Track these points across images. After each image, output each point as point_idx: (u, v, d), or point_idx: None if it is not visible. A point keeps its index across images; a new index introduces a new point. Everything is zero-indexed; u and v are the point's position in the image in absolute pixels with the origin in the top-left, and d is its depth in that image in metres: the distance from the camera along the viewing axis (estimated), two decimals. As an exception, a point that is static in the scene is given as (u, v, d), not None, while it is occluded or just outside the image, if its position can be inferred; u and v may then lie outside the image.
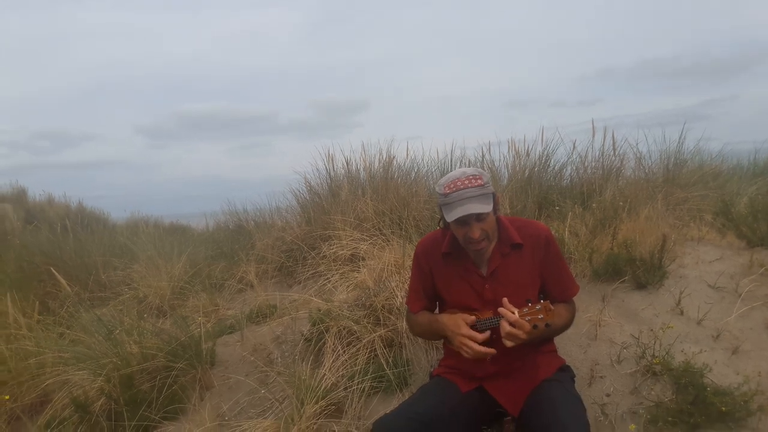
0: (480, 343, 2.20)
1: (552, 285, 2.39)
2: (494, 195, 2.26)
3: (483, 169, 4.46)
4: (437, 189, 2.30)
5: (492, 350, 2.19)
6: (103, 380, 3.46)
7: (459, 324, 2.26)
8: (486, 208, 2.17)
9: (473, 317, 2.29)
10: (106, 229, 9.51)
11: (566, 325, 2.38)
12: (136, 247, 6.27)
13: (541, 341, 2.39)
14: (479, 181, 2.20)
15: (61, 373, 3.68)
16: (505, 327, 2.11)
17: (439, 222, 2.44)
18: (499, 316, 2.16)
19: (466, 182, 2.19)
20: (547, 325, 2.10)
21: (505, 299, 2.17)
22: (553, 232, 2.46)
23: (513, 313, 2.11)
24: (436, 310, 2.57)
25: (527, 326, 2.09)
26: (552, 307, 2.14)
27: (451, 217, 2.19)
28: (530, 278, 2.35)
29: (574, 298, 2.46)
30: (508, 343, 2.11)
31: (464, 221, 2.21)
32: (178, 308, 4.94)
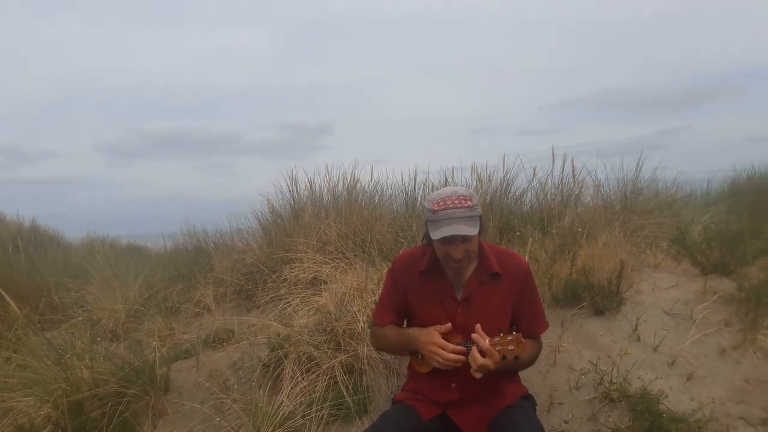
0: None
1: (523, 319, 2.37)
2: (481, 218, 2.26)
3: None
4: (425, 204, 2.28)
5: (462, 357, 2.17)
6: (51, 407, 3.31)
7: (431, 333, 2.24)
8: (473, 230, 2.17)
9: (448, 325, 2.27)
10: (61, 249, 9.25)
11: (532, 361, 2.37)
12: (91, 268, 6.10)
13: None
14: (469, 203, 2.20)
15: (6, 400, 3.52)
16: (477, 358, 2.09)
17: (423, 239, 2.43)
18: (470, 342, 2.16)
19: (456, 202, 2.19)
20: (516, 357, 2.10)
21: (478, 326, 2.15)
22: None
23: (485, 340, 2.11)
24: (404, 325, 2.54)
25: (497, 356, 2.08)
26: (523, 340, 2.14)
27: (437, 235, 2.17)
28: (503, 309, 2.34)
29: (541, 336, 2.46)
30: (477, 375, 2.10)
31: (449, 240, 2.19)
32: (133, 332, 4.80)
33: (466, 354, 2.16)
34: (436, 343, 2.20)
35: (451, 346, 2.20)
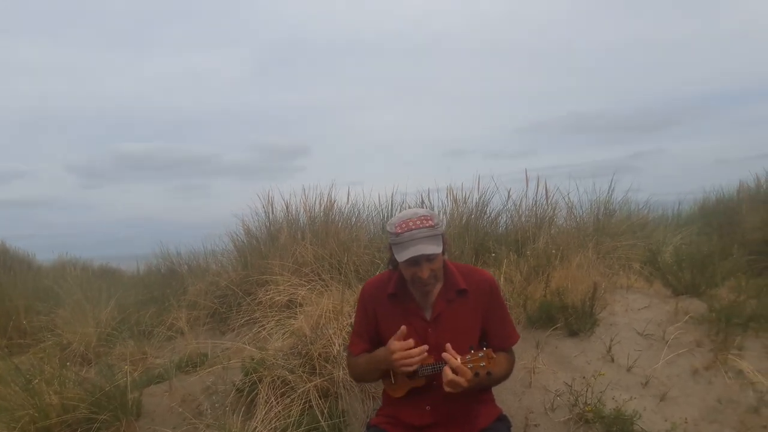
0: (415, 386, 2.22)
1: (493, 333, 2.39)
2: (443, 236, 2.28)
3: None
4: (388, 228, 2.30)
5: (426, 346, 2.20)
6: (18, 434, 3.23)
7: (389, 346, 2.24)
8: (436, 249, 2.19)
9: (403, 328, 2.26)
10: (31, 271, 9.04)
11: (506, 375, 2.38)
12: (62, 291, 5.97)
13: (480, 390, 2.38)
14: (430, 222, 2.22)
15: (-29, 427, 3.43)
16: (448, 374, 2.09)
17: (388, 264, 2.44)
18: (442, 362, 2.16)
19: (418, 222, 2.21)
20: (488, 373, 2.10)
21: (448, 345, 2.16)
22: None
23: (456, 359, 2.11)
24: None
25: (469, 373, 2.08)
26: (494, 356, 2.14)
27: (402, 257, 2.19)
28: (473, 325, 2.36)
29: (514, 347, 2.47)
30: (447, 389, 2.10)
31: (415, 261, 2.21)
32: (104, 356, 4.71)
33: (439, 382, 2.16)
34: (397, 349, 2.21)
35: (412, 342, 2.21)
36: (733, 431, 2.78)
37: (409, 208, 5.67)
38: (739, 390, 2.99)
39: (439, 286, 2.37)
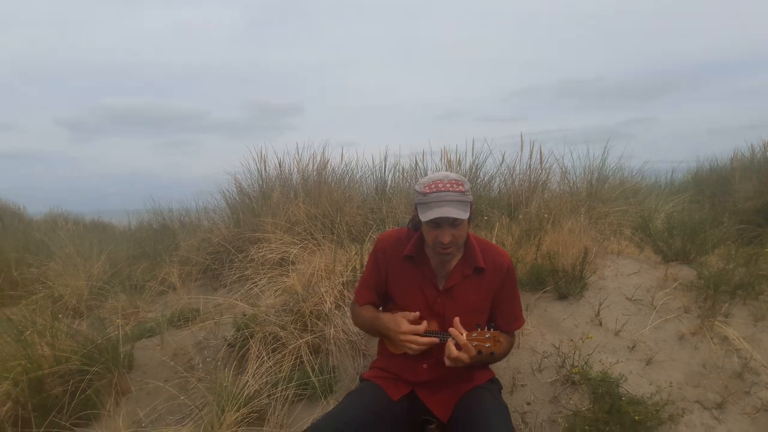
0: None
1: (501, 314, 2.40)
2: (472, 205, 2.24)
3: (419, 177, 4.45)
4: (416, 188, 2.26)
5: (435, 339, 2.20)
6: (10, 384, 3.26)
7: (399, 322, 2.24)
8: (463, 215, 2.15)
9: (416, 313, 2.28)
10: (22, 224, 9.02)
11: (504, 355, 2.41)
12: (54, 244, 5.98)
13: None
14: (461, 187, 2.19)
15: (-37, 377, 3.45)
16: (452, 350, 2.11)
17: (409, 222, 2.43)
18: (445, 333, 2.18)
19: (448, 185, 2.17)
20: (491, 354, 2.13)
21: (456, 319, 2.17)
22: None
23: (462, 335, 2.12)
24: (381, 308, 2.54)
25: (473, 351, 2.10)
26: (501, 339, 2.16)
27: (426, 216, 2.15)
28: (483, 304, 2.36)
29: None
30: (448, 363, 2.12)
31: (438, 223, 2.18)
32: (96, 309, 4.74)
33: (441, 344, 2.19)
34: (408, 331, 2.21)
35: (422, 328, 2.21)
36: (716, 395, 2.84)
37: (403, 172, 5.65)
38: (724, 356, 3.04)
39: (458, 258, 2.36)
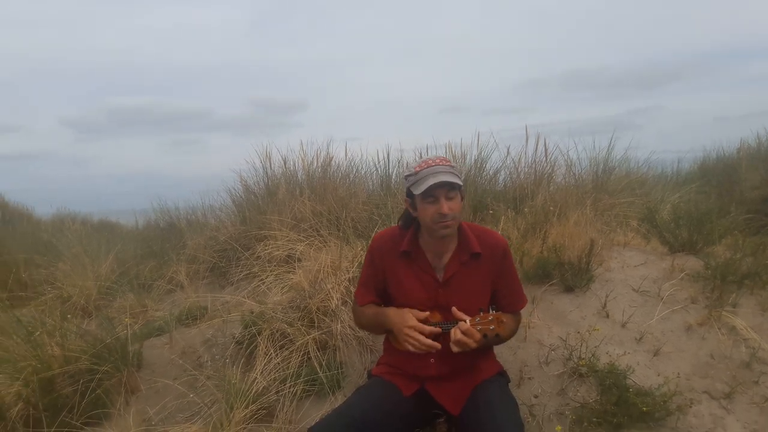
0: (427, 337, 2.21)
1: (503, 296, 2.41)
2: (461, 187, 2.27)
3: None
4: (406, 173, 2.30)
5: (437, 344, 2.20)
6: (21, 384, 3.28)
7: (406, 317, 2.25)
8: (457, 180, 2.18)
9: (426, 313, 2.29)
10: (30, 224, 9.08)
11: (512, 335, 2.42)
12: (62, 245, 6.02)
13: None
14: (449, 162, 2.25)
15: (-26, 378, 3.48)
16: (457, 334, 2.12)
17: (399, 219, 2.45)
18: (449, 322, 2.18)
19: (438, 161, 2.24)
20: (497, 335, 2.13)
21: (454, 308, 2.19)
22: None
23: (464, 321, 2.13)
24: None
25: (478, 335, 2.11)
26: (504, 320, 2.17)
27: (421, 188, 2.17)
28: (483, 289, 2.37)
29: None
30: (455, 349, 2.13)
31: (435, 196, 2.19)
32: (104, 309, 4.77)
33: (447, 336, 2.19)
34: (412, 326, 2.22)
35: (429, 329, 2.22)
36: (724, 385, 2.83)
37: (407, 167, 5.67)
38: (732, 346, 3.03)
39: (453, 247, 2.37)
